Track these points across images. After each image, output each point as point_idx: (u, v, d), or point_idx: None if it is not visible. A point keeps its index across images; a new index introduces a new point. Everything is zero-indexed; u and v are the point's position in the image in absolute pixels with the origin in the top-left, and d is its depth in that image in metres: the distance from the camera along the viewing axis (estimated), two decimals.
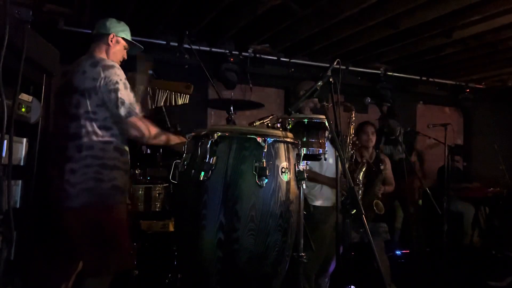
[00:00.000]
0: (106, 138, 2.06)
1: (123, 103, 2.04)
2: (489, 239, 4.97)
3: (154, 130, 2.17)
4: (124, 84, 2.09)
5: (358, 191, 3.07)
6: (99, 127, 2.05)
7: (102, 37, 2.26)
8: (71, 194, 2.00)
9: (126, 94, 2.07)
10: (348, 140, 3.00)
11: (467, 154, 6.20)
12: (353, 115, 3.07)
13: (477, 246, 4.97)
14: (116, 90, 2.04)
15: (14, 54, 1.45)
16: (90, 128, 2.03)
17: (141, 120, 2.12)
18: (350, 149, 3.02)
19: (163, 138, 2.22)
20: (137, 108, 2.12)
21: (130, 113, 2.07)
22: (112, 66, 2.10)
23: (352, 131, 3.05)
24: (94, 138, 2.03)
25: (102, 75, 2.04)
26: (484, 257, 4.63)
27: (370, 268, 3.49)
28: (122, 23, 2.35)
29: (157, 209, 3.09)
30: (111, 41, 2.25)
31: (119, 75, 2.08)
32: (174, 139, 2.28)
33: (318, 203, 2.96)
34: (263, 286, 1.87)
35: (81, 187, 1.99)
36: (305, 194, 2.92)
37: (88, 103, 2.04)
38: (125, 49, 2.35)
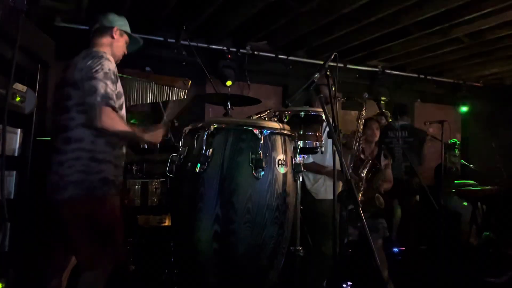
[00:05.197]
0: (97, 132, 1.99)
1: (96, 91, 1.94)
2: (486, 236, 4.96)
3: (122, 125, 2.04)
4: (105, 74, 1.99)
5: (361, 187, 3.05)
6: None
7: (105, 30, 2.20)
8: (60, 186, 1.98)
9: (103, 84, 1.96)
10: (356, 135, 3.01)
11: (464, 152, 6.21)
12: (364, 112, 3.07)
13: (474, 244, 4.97)
14: (93, 78, 1.95)
15: (8, 43, 1.44)
16: (80, 121, 1.98)
17: (113, 113, 1.98)
18: (358, 145, 3.03)
19: (129, 134, 2.10)
20: (113, 101, 1.99)
21: (104, 101, 1.94)
22: (100, 57, 2.03)
23: (361, 127, 3.06)
24: (86, 130, 1.98)
25: (87, 64, 1.99)
26: (481, 255, 4.63)
27: (367, 265, 3.49)
28: (123, 17, 2.31)
29: (154, 204, 3.08)
30: (115, 33, 2.22)
31: (103, 65, 2.00)
32: (141, 133, 2.16)
33: (322, 196, 2.92)
34: (259, 279, 1.86)
35: (68, 179, 1.96)
36: (308, 189, 2.92)
37: (77, 95, 1.99)
38: (126, 43, 2.31)
